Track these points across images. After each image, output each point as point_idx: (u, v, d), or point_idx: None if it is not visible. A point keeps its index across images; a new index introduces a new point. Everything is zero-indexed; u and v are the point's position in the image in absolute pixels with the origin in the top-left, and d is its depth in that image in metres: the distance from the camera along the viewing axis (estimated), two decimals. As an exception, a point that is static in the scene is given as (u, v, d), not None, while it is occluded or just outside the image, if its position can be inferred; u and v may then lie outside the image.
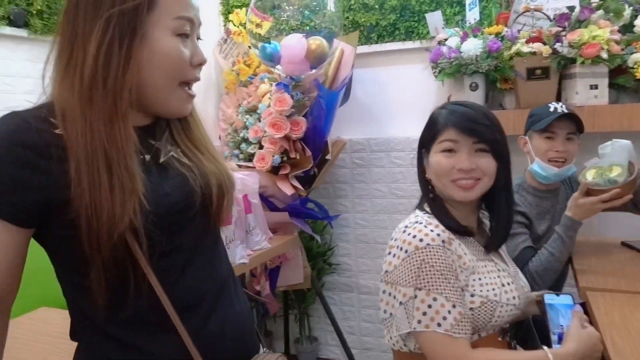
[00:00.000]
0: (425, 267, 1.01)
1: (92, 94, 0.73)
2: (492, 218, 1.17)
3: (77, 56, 0.74)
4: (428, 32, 2.27)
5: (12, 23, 2.26)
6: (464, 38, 2.03)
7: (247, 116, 2.26)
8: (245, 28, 2.44)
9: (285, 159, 2.11)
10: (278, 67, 2.04)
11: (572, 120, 1.60)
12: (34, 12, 2.35)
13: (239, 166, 2.22)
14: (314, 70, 2.06)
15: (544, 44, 1.91)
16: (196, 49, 0.82)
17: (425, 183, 1.18)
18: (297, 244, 2.28)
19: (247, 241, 1.89)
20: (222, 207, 0.87)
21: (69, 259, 0.76)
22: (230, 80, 2.55)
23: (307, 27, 2.11)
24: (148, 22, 0.76)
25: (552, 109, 1.61)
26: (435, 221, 1.08)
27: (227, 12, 2.71)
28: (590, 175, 1.54)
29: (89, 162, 0.71)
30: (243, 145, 2.23)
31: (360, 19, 2.44)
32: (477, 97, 2.05)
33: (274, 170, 2.13)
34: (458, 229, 1.09)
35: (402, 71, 2.44)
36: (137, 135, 0.78)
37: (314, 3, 2.05)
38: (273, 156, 2.08)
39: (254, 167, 2.12)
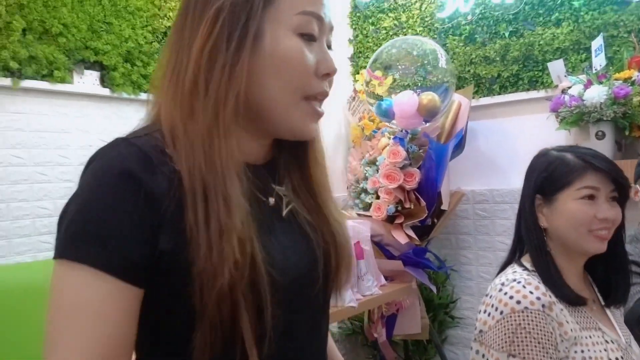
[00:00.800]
0: (521, 333, 0.94)
1: (193, 102, 0.59)
2: (609, 271, 1.10)
3: (181, 60, 0.61)
4: (552, 81, 2.21)
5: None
6: (587, 85, 1.95)
7: (368, 168, 2.40)
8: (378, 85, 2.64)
9: (400, 208, 2.19)
10: (393, 122, 2.16)
11: None
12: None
13: (358, 214, 2.35)
14: (427, 124, 2.14)
15: (680, 87, 1.75)
16: (325, 55, 0.65)
17: (537, 234, 1.08)
18: (414, 293, 2.30)
19: (359, 286, 1.98)
20: (342, 275, 0.71)
21: (172, 322, 0.60)
22: (356, 135, 2.74)
23: (420, 84, 2.21)
24: (264, 18, 0.61)
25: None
26: (536, 281, 1.01)
27: (355, 72, 2.94)
28: None
29: (190, 190, 0.57)
30: (362, 195, 2.37)
31: (481, 71, 2.46)
32: (604, 146, 1.92)
33: (390, 219, 2.22)
34: (568, 296, 1.01)
35: (526, 121, 2.39)
36: (257, 175, 0.65)
37: (425, 61, 2.15)
38: (388, 206, 2.17)
39: (371, 216, 2.24)
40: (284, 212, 0.67)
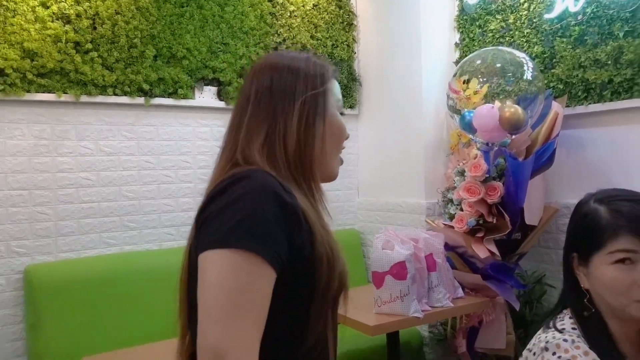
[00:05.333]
0: None
1: (296, 159, 0.88)
2: None
3: (278, 129, 0.88)
4: (671, 87, 1.95)
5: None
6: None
7: (457, 177, 2.38)
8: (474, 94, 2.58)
9: (482, 222, 2.15)
10: (477, 135, 2.12)
11: None
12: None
13: (444, 224, 2.36)
14: (514, 136, 2.06)
15: None
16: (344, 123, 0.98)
17: (577, 296, 0.99)
18: (499, 308, 2.25)
19: (429, 297, 2.02)
20: (346, 299, 0.91)
21: (295, 301, 0.81)
22: (454, 141, 2.71)
23: (514, 94, 2.12)
24: (328, 103, 0.93)
25: None
26: (584, 345, 0.93)
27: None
28: None
29: (312, 222, 0.82)
30: (449, 205, 2.36)
31: (590, 76, 2.26)
32: None
33: (472, 232, 2.19)
34: None
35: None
36: None
37: (509, 73, 2.06)
38: (469, 219, 2.15)
39: (453, 227, 2.23)
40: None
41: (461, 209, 2.23)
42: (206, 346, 0.69)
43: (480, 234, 2.16)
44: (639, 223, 0.90)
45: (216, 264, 0.72)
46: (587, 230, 0.97)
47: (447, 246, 2.31)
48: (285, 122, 0.88)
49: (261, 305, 0.73)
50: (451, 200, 2.35)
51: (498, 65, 2.11)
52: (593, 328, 0.95)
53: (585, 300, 0.98)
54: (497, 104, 2.10)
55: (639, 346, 0.99)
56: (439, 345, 2.78)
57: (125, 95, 2.49)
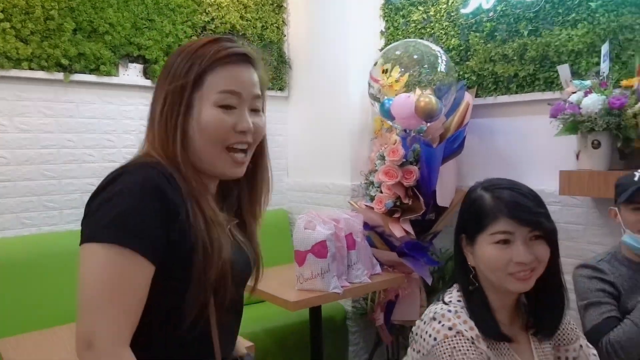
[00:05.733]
0: (458, 355, 0.99)
1: (168, 150, 0.89)
2: (541, 305, 1.11)
3: (154, 120, 0.91)
4: (565, 84, 2.17)
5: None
6: (587, 93, 1.91)
7: (378, 161, 2.51)
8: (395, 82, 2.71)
9: (398, 203, 2.30)
10: (395, 122, 2.25)
11: None
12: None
13: (366, 205, 2.49)
14: (429, 123, 2.20)
15: (676, 101, 1.68)
16: (241, 117, 0.90)
17: (464, 272, 1.11)
18: (414, 283, 2.42)
19: (348, 274, 2.15)
20: (258, 275, 1.04)
21: (174, 287, 0.85)
22: (377, 127, 2.83)
23: (428, 83, 2.26)
24: (194, 97, 0.88)
25: (636, 178, 1.47)
26: (464, 315, 1.05)
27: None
28: None
29: (192, 203, 0.87)
30: (370, 187, 2.49)
31: (499, 69, 2.45)
32: (600, 156, 1.90)
33: (390, 212, 2.33)
34: (496, 334, 1.04)
35: (542, 121, 2.35)
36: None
37: (425, 65, 2.20)
38: (387, 200, 2.29)
39: (373, 208, 2.37)
40: (227, 226, 0.96)
41: (381, 191, 2.37)
42: (78, 333, 0.78)
43: (397, 215, 2.30)
44: (515, 208, 1.03)
45: (91, 257, 0.79)
46: (473, 214, 1.08)
47: (367, 226, 2.45)
48: (156, 114, 0.90)
49: (132, 296, 0.80)
50: (372, 183, 2.48)
51: (416, 56, 2.24)
52: (475, 300, 1.07)
53: (471, 276, 1.10)
54: (418, 92, 2.22)
55: (514, 314, 1.14)
56: (361, 319, 2.94)
57: (43, 70, 2.38)
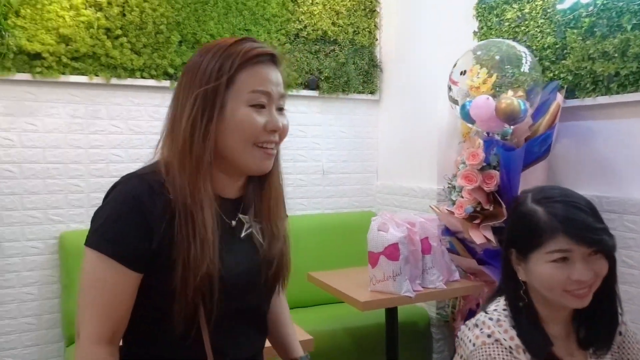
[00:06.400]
0: None
1: (184, 156, 0.88)
2: (593, 318, 1.06)
3: (177, 124, 0.90)
4: (675, 82, 1.95)
5: (307, 87, 3.11)
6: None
7: (462, 165, 2.45)
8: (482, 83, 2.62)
9: (479, 209, 2.22)
10: (476, 124, 2.18)
11: None
12: (323, 77, 3.15)
13: (447, 210, 2.44)
14: (513, 126, 2.10)
15: None
16: (271, 117, 0.92)
17: (514, 286, 1.06)
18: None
19: (422, 279, 2.13)
20: (278, 280, 1.04)
21: (158, 296, 0.90)
22: (464, 130, 2.76)
23: (521, 83, 2.16)
24: (227, 97, 0.89)
25: None
26: (507, 324, 1.03)
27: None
28: None
29: (181, 214, 0.87)
30: (452, 192, 2.44)
31: (598, 68, 2.26)
32: None
33: (470, 218, 2.26)
34: (546, 354, 1.01)
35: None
36: (227, 205, 0.96)
37: (507, 66, 2.10)
38: (467, 206, 2.22)
39: (454, 213, 2.31)
40: (243, 234, 0.99)
41: (462, 196, 2.31)
42: (75, 324, 0.89)
43: (477, 221, 2.23)
44: (573, 226, 0.97)
45: (84, 259, 0.89)
46: (526, 231, 1.03)
47: (449, 231, 2.40)
48: (181, 118, 0.89)
49: (112, 300, 0.87)
50: (454, 187, 2.43)
51: (498, 57, 2.15)
52: (525, 316, 1.03)
53: (521, 291, 1.06)
54: (510, 93, 2.13)
55: (568, 326, 1.08)
56: (446, 326, 2.88)
57: (152, 78, 2.67)
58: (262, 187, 1.03)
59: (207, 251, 0.87)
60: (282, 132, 0.96)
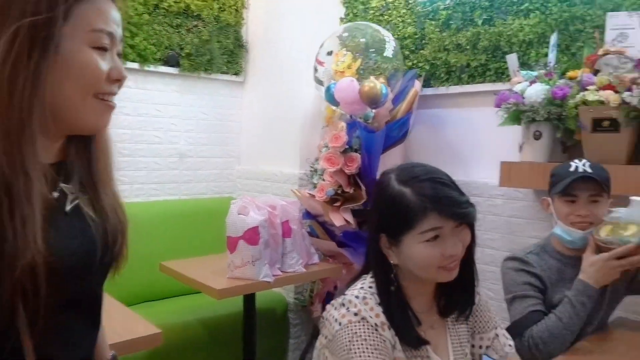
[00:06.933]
0: (357, 341, 0.96)
1: (1, 112, 0.67)
2: (454, 286, 1.05)
3: None
4: (516, 75, 2.10)
5: (166, 63, 2.86)
6: (533, 83, 1.85)
7: (324, 149, 2.42)
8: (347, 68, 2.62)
9: (340, 192, 2.21)
10: (340, 107, 2.16)
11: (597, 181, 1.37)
12: (184, 54, 2.92)
13: (308, 194, 2.39)
14: (374, 110, 2.12)
15: (617, 92, 1.62)
16: (116, 63, 0.78)
17: (384, 269, 1.04)
18: (353, 274, 2.33)
19: (282, 263, 2.05)
20: (117, 258, 0.87)
21: None
22: (328, 114, 2.74)
23: (383, 70, 2.18)
24: (62, 34, 0.70)
25: (572, 169, 1.40)
26: (373, 302, 1.01)
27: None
28: (604, 232, 1.32)
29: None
30: (314, 175, 2.40)
31: (452, 59, 2.38)
32: (541, 147, 1.84)
33: (331, 201, 2.24)
34: (410, 339, 1.00)
35: (489, 113, 2.29)
36: (45, 173, 0.74)
37: (372, 49, 2.11)
38: (328, 188, 2.20)
39: (315, 197, 2.27)
40: (68, 208, 0.78)
41: (323, 179, 2.28)
42: None
43: (338, 204, 2.21)
44: (442, 203, 0.96)
45: None
46: (397, 214, 1.00)
47: (309, 215, 2.35)
48: None
49: None
50: (316, 171, 2.39)
51: (363, 39, 2.15)
52: (395, 303, 1.01)
53: (392, 275, 1.03)
54: (372, 79, 2.13)
55: (432, 300, 1.10)
56: (303, 311, 2.84)
57: None
58: (89, 150, 0.84)
59: (29, 234, 0.66)
60: (123, 82, 0.80)
